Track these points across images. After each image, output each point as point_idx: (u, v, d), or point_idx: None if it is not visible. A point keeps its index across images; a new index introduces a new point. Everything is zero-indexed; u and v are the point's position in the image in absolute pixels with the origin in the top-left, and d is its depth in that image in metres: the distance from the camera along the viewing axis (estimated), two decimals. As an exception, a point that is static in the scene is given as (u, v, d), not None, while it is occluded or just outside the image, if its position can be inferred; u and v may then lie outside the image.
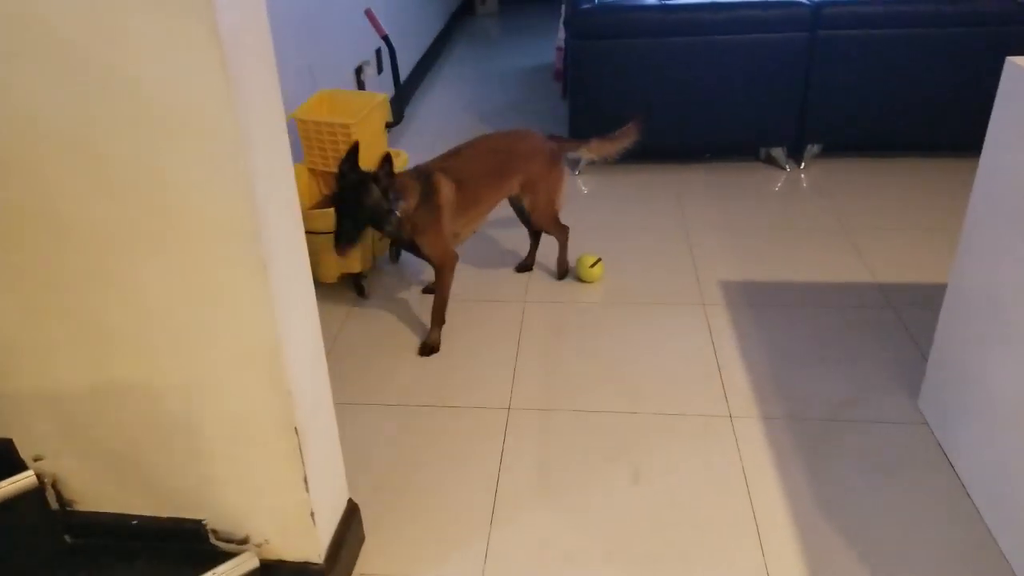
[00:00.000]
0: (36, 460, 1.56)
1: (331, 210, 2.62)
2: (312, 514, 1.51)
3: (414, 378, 2.38)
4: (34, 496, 1.57)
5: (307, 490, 1.48)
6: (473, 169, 2.40)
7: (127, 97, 1.15)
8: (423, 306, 2.73)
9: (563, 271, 2.84)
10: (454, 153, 2.45)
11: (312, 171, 2.81)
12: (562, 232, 2.78)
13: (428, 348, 2.46)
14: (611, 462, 2.03)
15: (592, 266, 2.81)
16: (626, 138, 2.73)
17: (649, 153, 3.80)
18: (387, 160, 2.16)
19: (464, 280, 2.82)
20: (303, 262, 1.44)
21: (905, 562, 1.71)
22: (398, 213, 2.23)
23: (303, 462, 1.45)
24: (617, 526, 1.84)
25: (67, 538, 1.61)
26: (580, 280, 2.85)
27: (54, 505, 1.60)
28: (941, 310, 2.04)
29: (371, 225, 2.25)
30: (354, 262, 2.69)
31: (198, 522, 1.56)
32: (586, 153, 2.76)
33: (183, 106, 1.14)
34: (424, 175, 2.32)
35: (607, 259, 2.88)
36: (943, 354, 2.04)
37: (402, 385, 2.36)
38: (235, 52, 1.13)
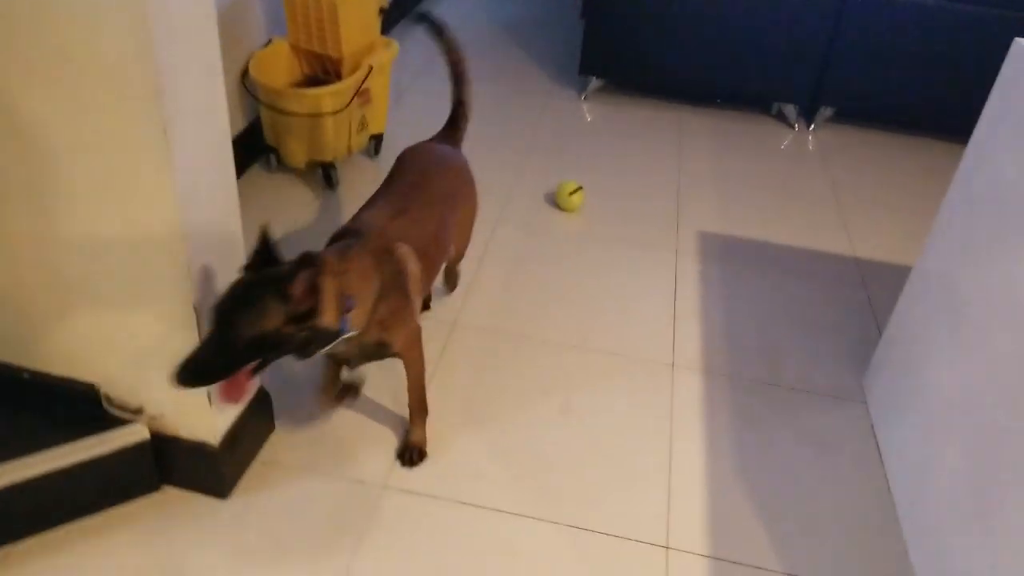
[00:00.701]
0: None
1: (308, 91, 2.50)
2: (209, 396, 1.45)
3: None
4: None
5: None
6: (428, 229, 1.69)
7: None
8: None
9: (454, 282, 2.27)
10: (400, 211, 1.64)
11: (294, 48, 2.65)
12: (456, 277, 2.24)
13: (412, 453, 1.75)
14: (543, 392, 1.97)
15: (572, 194, 2.69)
16: (457, 61, 2.07)
17: (657, 88, 3.63)
18: (306, 262, 1.23)
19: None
20: (218, 131, 1.32)
21: (807, 539, 1.67)
22: (349, 332, 1.39)
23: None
24: (533, 455, 1.80)
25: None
26: (557, 207, 2.73)
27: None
28: (901, 292, 1.94)
29: (265, 360, 1.29)
30: (323, 150, 2.57)
31: (91, 386, 1.51)
32: (469, 117, 2.08)
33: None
34: (384, 251, 1.52)
35: (591, 190, 2.75)
36: (894, 336, 1.95)
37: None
38: None
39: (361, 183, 2.75)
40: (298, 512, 1.62)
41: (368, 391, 1.91)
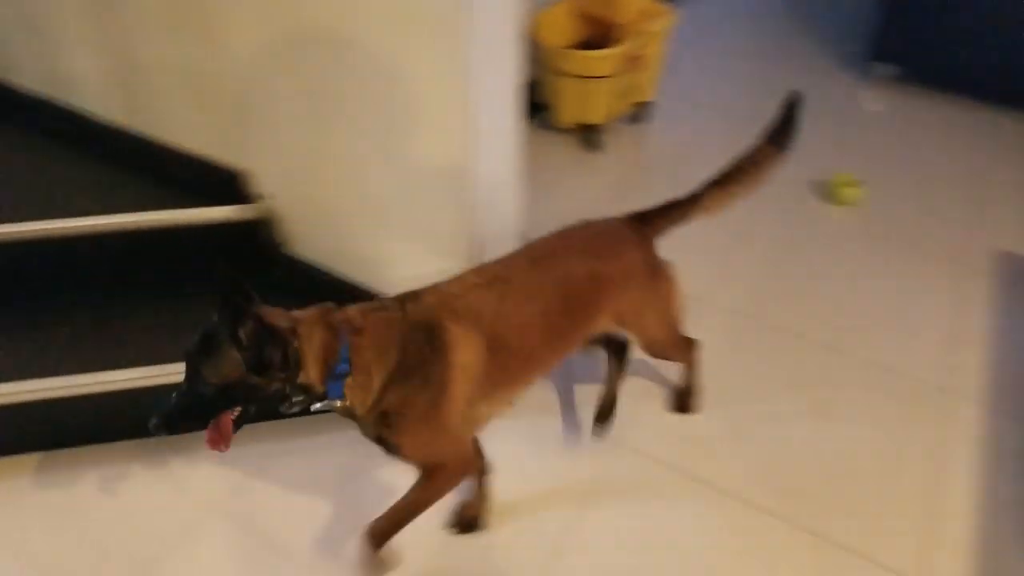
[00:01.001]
0: (264, 198, 1.81)
1: (580, 52, 2.62)
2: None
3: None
4: (254, 227, 1.83)
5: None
6: (526, 313, 1.35)
7: None
8: (657, 172, 2.67)
9: (685, 401, 1.87)
10: (493, 281, 1.35)
11: (576, 11, 2.79)
12: (689, 350, 1.77)
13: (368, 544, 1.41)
14: (793, 387, 1.94)
15: (847, 187, 2.57)
16: (760, 166, 1.62)
17: (963, 83, 3.32)
18: (260, 322, 1.14)
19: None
20: (509, 77, 1.48)
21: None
22: (338, 401, 1.24)
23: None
24: (775, 448, 1.79)
25: (273, 272, 1.89)
26: (828, 200, 2.62)
27: (270, 241, 1.87)
28: None
29: (246, 410, 1.21)
30: (589, 112, 2.68)
31: (378, 295, 1.73)
32: (701, 214, 1.63)
33: None
34: (423, 326, 1.27)
35: (874, 188, 2.60)
36: None
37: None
38: None
39: (624, 149, 2.84)
40: (539, 449, 1.75)
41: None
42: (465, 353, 1.26)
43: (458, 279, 1.34)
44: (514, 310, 1.33)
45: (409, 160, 1.53)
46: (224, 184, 1.83)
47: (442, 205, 1.56)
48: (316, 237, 1.83)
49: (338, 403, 1.22)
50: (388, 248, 1.70)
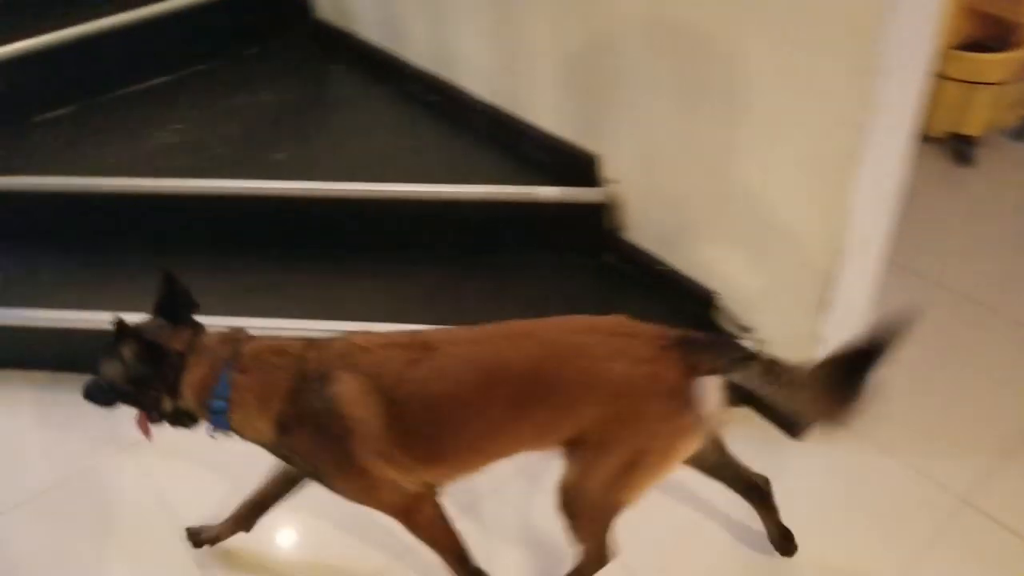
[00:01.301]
0: (611, 183, 1.89)
1: (971, 55, 2.37)
2: (819, 345, 1.54)
3: (975, 273, 2.12)
4: (597, 210, 1.93)
5: (821, 321, 1.52)
6: (434, 386, 1.21)
7: None
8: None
9: None
10: (405, 345, 1.25)
11: (965, 7, 2.51)
12: (596, 543, 1.35)
13: None
14: None
15: None
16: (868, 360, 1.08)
17: None
18: (139, 341, 1.23)
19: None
20: (916, 85, 1.35)
21: None
22: (224, 430, 1.28)
23: (830, 288, 1.49)
24: None
25: (608, 255, 1.98)
26: None
27: (608, 224, 1.95)
28: None
29: (153, 413, 1.33)
30: (968, 122, 2.41)
31: (711, 292, 1.76)
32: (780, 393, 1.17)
33: None
34: (317, 372, 1.23)
35: None
36: None
37: (952, 272, 2.13)
38: None
39: (1000, 166, 2.53)
40: (859, 488, 1.64)
41: (957, 404, 1.79)
42: (358, 407, 1.20)
43: (379, 335, 1.28)
44: (426, 380, 1.21)
45: (777, 161, 1.49)
46: (575, 166, 1.95)
47: (806, 214, 1.48)
48: (654, 226, 1.87)
49: (226, 432, 1.27)
50: (729, 248, 1.68)
